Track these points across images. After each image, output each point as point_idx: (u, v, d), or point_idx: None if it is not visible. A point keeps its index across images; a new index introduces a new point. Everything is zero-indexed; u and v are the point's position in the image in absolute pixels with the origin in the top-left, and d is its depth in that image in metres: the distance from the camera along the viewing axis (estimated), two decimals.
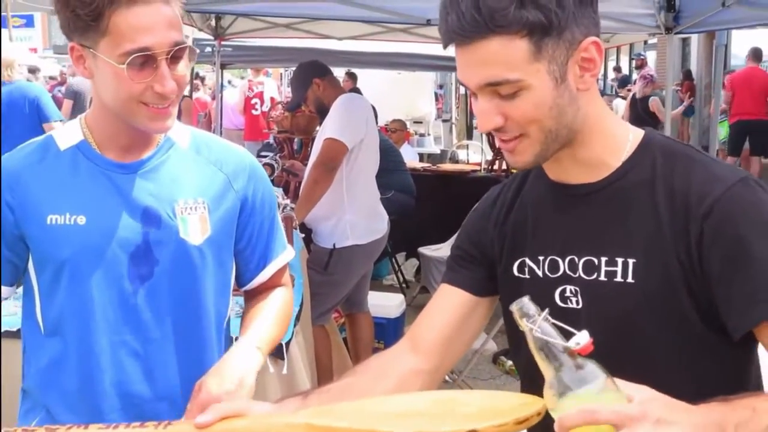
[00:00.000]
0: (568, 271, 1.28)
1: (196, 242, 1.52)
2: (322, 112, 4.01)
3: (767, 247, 1.14)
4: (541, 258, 1.32)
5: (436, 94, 13.89)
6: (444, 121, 13.35)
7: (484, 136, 8.25)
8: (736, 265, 1.15)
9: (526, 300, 1.07)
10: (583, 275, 1.27)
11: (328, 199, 3.81)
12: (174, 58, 1.39)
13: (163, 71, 1.38)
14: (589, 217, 1.27)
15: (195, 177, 1.56)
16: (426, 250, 6.05)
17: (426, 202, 5.99)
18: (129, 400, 1.49)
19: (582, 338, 1.03)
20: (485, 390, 1.14)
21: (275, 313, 1.66)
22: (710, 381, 1.23)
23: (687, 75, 13.03)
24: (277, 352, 2.38)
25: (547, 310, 1.05)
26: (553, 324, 1.05)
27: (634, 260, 1.22)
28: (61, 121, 6.31)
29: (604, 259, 1.24)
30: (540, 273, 1.32)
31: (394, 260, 6.41)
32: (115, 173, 1.50)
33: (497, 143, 1.26)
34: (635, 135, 1.29)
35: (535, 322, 1.04)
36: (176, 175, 1.55)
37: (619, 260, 1.23)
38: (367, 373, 1.35)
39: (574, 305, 1.28)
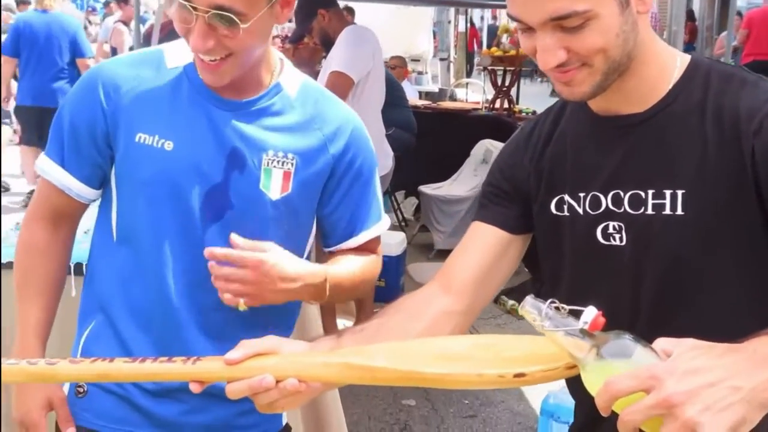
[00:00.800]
0: (611, 207, 1.22)
1: (273, 197, 1.46)
2: (327, 44, 3.90)
3: None
4: (581, 195, 1.26)
5: (433, 32, 13.66)
6: (441, 59, 13.16)
7: (483, 74, 8.13)
8: None
9: (528, 301, 1.02)
10: (628, 209, 1.21)
11: None
12: (222, 17, 1.32)
13: (198, 28, 1.33)
14: (635, 148, 1.21)
15: (292, 130, 1.50)
16: (426, 189, 6.03)
17: (426, 140, 5.92)
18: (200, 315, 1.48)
19: (588, 315, 0.98)
20: (533, 336, 1.08)
21: (357, 265, 1.58)
22: None
23: (689, 15, 12.82)
24: None
25: (548, 302, 1.01)
26: (561, 309, 1.01)
27: (683, 191, 1.16)
28: (92, 58, 6.52)
29: (651, 192, 1.18)
30: (580, 210, 1.26)
31: (393, 198, 6.36)
32: (213, 106, 1.46)
33: (551, 76, 1.19)
34: (682, 60, 1.23)
35: (543, 320, 1.00)
36: (283, 124, 1.49)
37: (667, 192, 1.17)
38: (399, 313, 1.30)
39: (617, 242, 1.22)
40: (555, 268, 1.33)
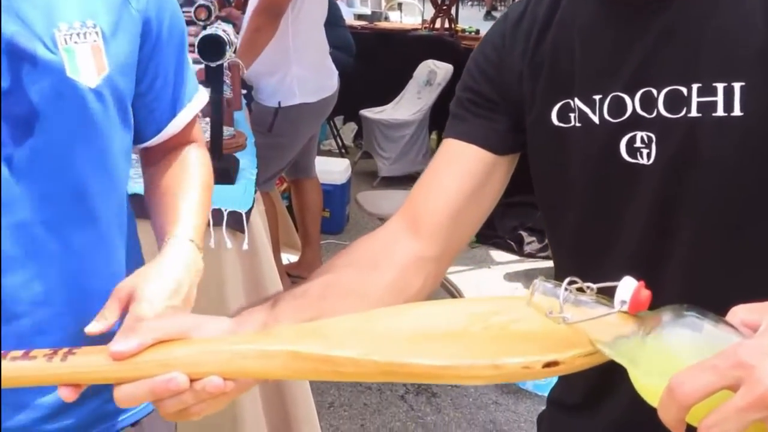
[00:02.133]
0: (640, 111, 0.91)
1: (90, 83, 1.05)
2: None
3: None
4: (597, 97, 0.93)
5: None
6: None
7: None
8: None
9: (538, 287, 0.71)
10: (664, 113, 0.89)
11: (271, 51, 3.37)
12: None
13: None
14: (672, 30, 0.89)
15: None
16: (368, 113, 5.81)
17: (365, 62, 5.62)
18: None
19: (625, 290, 0.67)
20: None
21: (199, 187, 1.25)
22: None
23: None
24: (236, 224, 2.01)
25: (564, 283, 0.71)
26: (588, 289, 0.70)
27: (742, 83, 0.84)
28: None
29: (696, 87, 0.86)
30: (596, 118, 0.94)
31: (332, 124, 6.09)
32: None
33: None
34: None
35: (564, 311, 0.69)
36: None
37: (719, 86, 0.85)
38: (354, 265, 0.98)
39: (644, 160, 0.91)
40: (556, 201, 1.02)
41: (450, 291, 3.99)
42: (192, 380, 0.75)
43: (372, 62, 5.88)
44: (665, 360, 0.63)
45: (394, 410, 3.08)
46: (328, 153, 6.11)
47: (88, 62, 1.04)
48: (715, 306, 0.65)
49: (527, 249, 4.60)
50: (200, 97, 1.29)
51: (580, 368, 0.69)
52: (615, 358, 0.67)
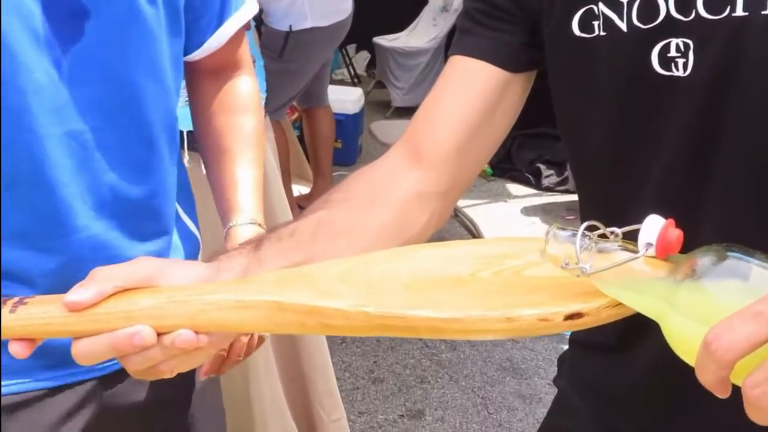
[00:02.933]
0: (675, 14, 0.77)
1: None
2: None
3: None
4: (624, 1, 0.80)
5: None
6: None
7: None
8: None
9: (554, 235, 0.61)
10: (704, 14, 0.75)
11: None
12: None
13: None
14: None
15: None
16: (381, 41, 5.66)
17: None
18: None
19: (650, 232, 0.56)
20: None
21: (255, 144, 1.18)
22: None
23: None
24: None
25: (581, 229, 0.60)
26: (613, 235, 0.60)
27: None
28: None
29: None
30: (623, 24, 0.80)
31: (344, 52, 5.93)
32: None
33: None
34: None
35: (577, 259, 0.58)
36: None
37: None
38: (350, 201, 0.87)
39: (680, 71, 0.77)
40: (579, 126, 0.89)
41: (465, 225, 3.89)
42: (160, 334, 0.66)
43: None
44: (705, 309, 0.52)
45: (407, 347, 3.00)
46: (341, 82, 5.96)
47: None
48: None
49: (545, 182, 4.48)
50: (249, 6, 1.16)
51: (607, 321, 0.59)
52: (642, 309, 0.57)
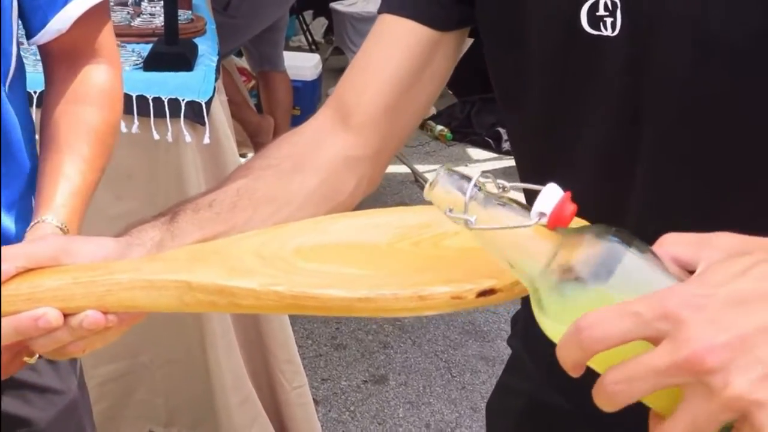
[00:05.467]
0: None
1: None
2: None
3: None
4: None
5: None
6: None
7: None
8: None
9: (442, 176, 0.55)
10: None
11: None
12: None
13: None
14: None
15: None
16: (339, 6, 5.57)
17: None
18: None
19: (547, 202, 0.53)
20: None
21: (94, 140, 1.06)
22: None
23: None
24: (196, 116, 1.83)
25: (475, 178, 0.55)
26: (502, 187, 0.56)
27: None
28: None
29: None
30: None
31: (301, 18, 5.84)
32: None
33: None
34: None
35: (470, 210, 0.55)
36: None
37: None
38: (273, 168, 0.83)
39: (608, 31, 0.74)
40: (512, 87, 0.85)
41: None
42: (66, 315, 0.63)
43: None
44: (578, 294, 0.50)
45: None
46: (298, 49, 5.86)
47: None
48: (689, 225, 0.53)
49: (505, 146, 4.46)
50: None
51: (520, 295, 0.58)
52: (520, 278, 0.55)
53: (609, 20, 0.74)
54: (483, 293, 0.56)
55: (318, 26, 6.38)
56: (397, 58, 0.86)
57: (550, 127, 0.82)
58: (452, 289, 0.56)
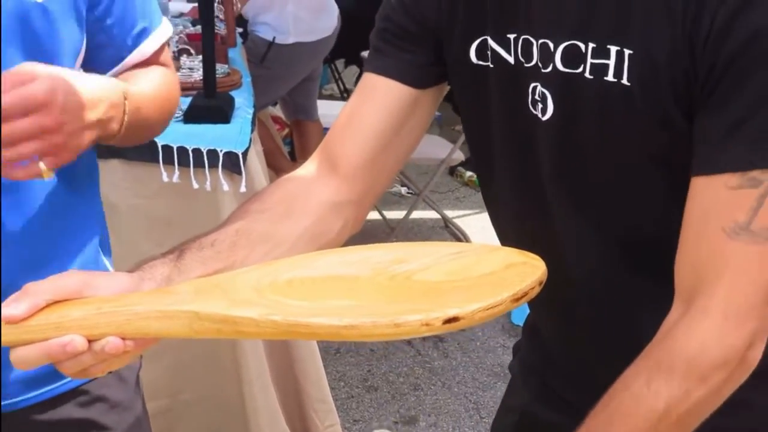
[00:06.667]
0: (539, 62, 0.85)
1: None
2: None
3: None
4: (511, 36, 0.88)
5: None
6: None
7: None
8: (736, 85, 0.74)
9: None
10: (561, 67, 0.83)
11: None
12: None
13: None
14: None
15: None
16: None
17: (367, 2, 5.44)
18: None
19: None
20: (448, 243, 0.79)
21: (155, 78, 1.16)
22: None
23: None
24: (233, 166, 1.92)
25: None
26: None
27: (631, 51, 0.79)
28: None
29: (591, 47, 0.81)
30: (510, 58, 0.88)
31: (333, 67, 5.95)
32: None
33: None
34: None
35: None
36: None
37: (613, 49, 0.80)
38: (267, 211, 0.92)
39: (542, 115, 0.86)
40: (480, 145, 0.98)
41: (455, 235, 3.93)
42: (90, 341, 0.72)
43: (374, 2, 5.72)
44: None
45: (401, 355, 3.03)
46: (330, 97, 6.00)
47: None
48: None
49: None
50: (165, 28, 1.20)
51: (481, 321, 0.67)
52: None
53: (541, 105, 0.87)
54: (449, 320, 0.65)
55: (350, 75, 6.50)
56: (379, 115, 0.96)
57: (499, 191, 0.97)
58: (422, 317, 0.65)
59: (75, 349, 0.71)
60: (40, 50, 0.98)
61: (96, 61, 1.12)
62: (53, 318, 0.73)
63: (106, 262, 1.16)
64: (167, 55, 1.24)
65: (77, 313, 0.73)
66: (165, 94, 1.16)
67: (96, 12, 1.08)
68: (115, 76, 1.13)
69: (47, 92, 0.86)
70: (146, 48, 1.16)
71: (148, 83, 1.12)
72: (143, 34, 1.16)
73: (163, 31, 1.20)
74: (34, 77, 0.86)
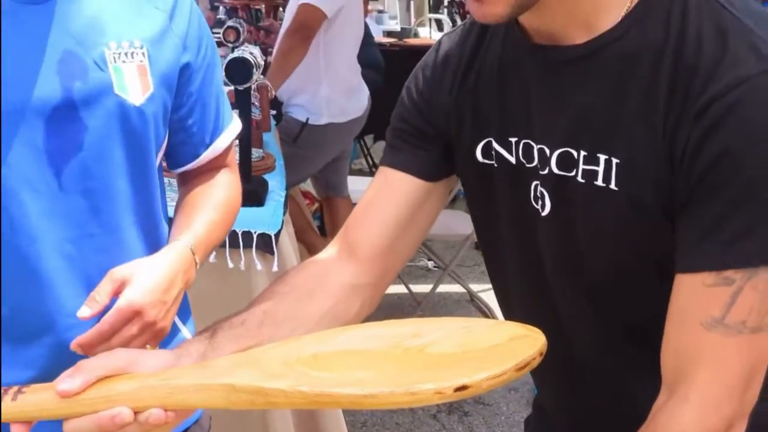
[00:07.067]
0: (538, 164, 0.95)
1: (136, 101, 1.10)
2: None
3: None
4: (513, 140, 0.97)
5: None
6: None
7: (448, 10, 7.80)
8: (713, 197, 0.82)
9: None
10: (556, 170, 0.92)
11: (302, 70, 3.41)
12: None
13: None
14: (571, 92, 0.90)
15: (127, 11, 1.12)
16: None
17: (395, 80, 5.51)
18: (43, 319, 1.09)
19: None
20: (457, 318, 0.86)
21: (219, 206, 1.27)
22: None
23: None
24: (266, 246, 2.02)
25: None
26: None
27: (618, 160, 0.87)
28: None
29: (583, 154, 0.90)
30: (512, 159, 0.98)
31: (362, 142, 6.09)
32: (21, 4, 1.03)
33: None
34: None
35: None
36: (102, 8, 1.10)
37: (602, 157, 0.88)
38: (289, 295, 1.02)
39: (542, 211, 0.96)
40: (488, 237, 1.08)
41: (481, 310, 3.98)
42: (136, 412, 0.81)
43: (402, 80, 5.66)
44: None
45: (426, 429, 3.07)
46: (359, 172, 6.13)
47: (135, 81, 1.09)
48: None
49: None
50: (235, 125, 1.32)
51: (488, 389, 0.74)
52: None
53: (539, 202, 0.96)
54: (459, 389, 0.72)
55: (378, 150, 6.62)
56: (395, 205, 1.06)
57: (509, 282, 1.05)
58: (435, 386, 0.72)
59: (123, 420, 0.80)
60: (136, 146, 1.11)
61: (174, 156, 1.25)
62: (103, 392, 0.82)
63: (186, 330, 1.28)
64: (233, 155, 1.35)
65: (124, 387, 0.82)
66: (228, 213, 1.27)
67: (179, 113, 1.20)
68: (190, 171, 1.26)
69: (132, 310, 1.01)
70: (220, 144, 1.28)
71: (213, 209, 1.24)
72: (217, 131, 1.27)
73: (234, 128, 1.32)
74: (125, 283, 1.03)
